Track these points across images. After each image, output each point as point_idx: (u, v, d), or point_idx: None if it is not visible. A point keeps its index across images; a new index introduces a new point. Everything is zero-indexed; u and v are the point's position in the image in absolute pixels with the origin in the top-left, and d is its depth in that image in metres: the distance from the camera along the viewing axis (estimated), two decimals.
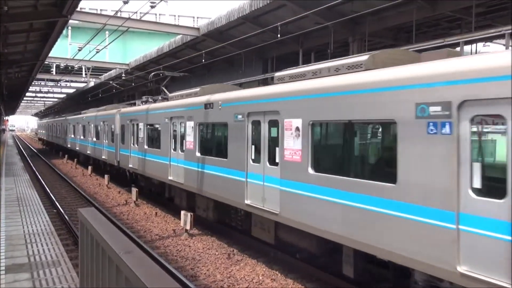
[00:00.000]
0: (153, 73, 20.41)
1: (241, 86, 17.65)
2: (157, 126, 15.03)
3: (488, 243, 4.77)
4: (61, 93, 53.13)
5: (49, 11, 13.00)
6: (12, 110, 73.67)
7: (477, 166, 4.95)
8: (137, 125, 17.04)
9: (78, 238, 5.77)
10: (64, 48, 35.49)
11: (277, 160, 8.43)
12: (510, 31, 10.22)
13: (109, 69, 34.55)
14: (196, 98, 12.14)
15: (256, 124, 9.19)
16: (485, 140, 5.10)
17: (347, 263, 7.19)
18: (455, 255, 5.08)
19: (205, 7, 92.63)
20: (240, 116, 9.64)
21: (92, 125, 25.31)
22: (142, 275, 2.42)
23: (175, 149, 13.39)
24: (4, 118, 71.41)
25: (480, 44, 15.90)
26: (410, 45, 12.49)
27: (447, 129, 5.19)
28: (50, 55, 20.99)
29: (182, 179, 12.64)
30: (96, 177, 24.09)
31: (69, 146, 34.17)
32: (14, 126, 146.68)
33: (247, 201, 9.39)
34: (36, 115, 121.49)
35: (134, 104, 22.72)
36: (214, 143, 11.24)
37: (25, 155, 39.24)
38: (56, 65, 32.97)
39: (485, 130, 5.04)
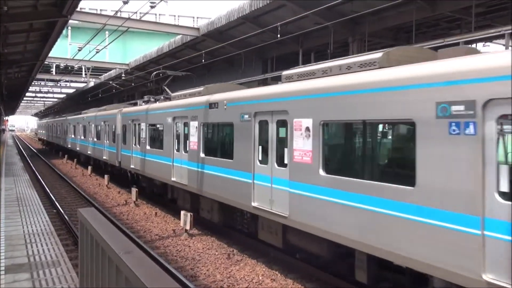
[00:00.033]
0: (154, 73, 20.39)
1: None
2: (159, 126, 14.78)
3: None
4: (61, 93, 53.21)
5: (49, 11, 12.99)
6: (12, 110, 73.70)
7: (504, 169, 4.68)
8: (139, 125, 16.83)
9: (78, 238, 5.78)
10: (64, 48, 35.52)
11: (285, 161, 8.15)
12: (510, 31, 10.23)
13: (109, 69, 34.57)
14: (200, 98, 11.89)
15: (264, 124, 8.93)
16: None
17: (360, 268, 6.94)
18: (480, 263, 4.82)
19: (205, 7, 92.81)
20: (246, 116, 9.41)
21: (93, 125, 25.21)
22: (142, 275, 2.42)
23: (178, 150, 13.19)
24: (4, 118, 71.41)
25: (480, 44, 15.92)
26: (410, 45, 12.50)
27: (471, 130, 4.94)
28: (50, 55, 20.98)
29: (186, 180, 12.43)
30: (96, 177, 24.09)
31: (69, 146, 34.14)
32: (14, 126, 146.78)
33: (254, 203, 9.11)
34: (36, 115, 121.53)
35: (136, 104, 22.58)
36: (219, 143, 11.01)
37: (25, 155, 39.21)
38: (56, 65, 32.99)
39: None
